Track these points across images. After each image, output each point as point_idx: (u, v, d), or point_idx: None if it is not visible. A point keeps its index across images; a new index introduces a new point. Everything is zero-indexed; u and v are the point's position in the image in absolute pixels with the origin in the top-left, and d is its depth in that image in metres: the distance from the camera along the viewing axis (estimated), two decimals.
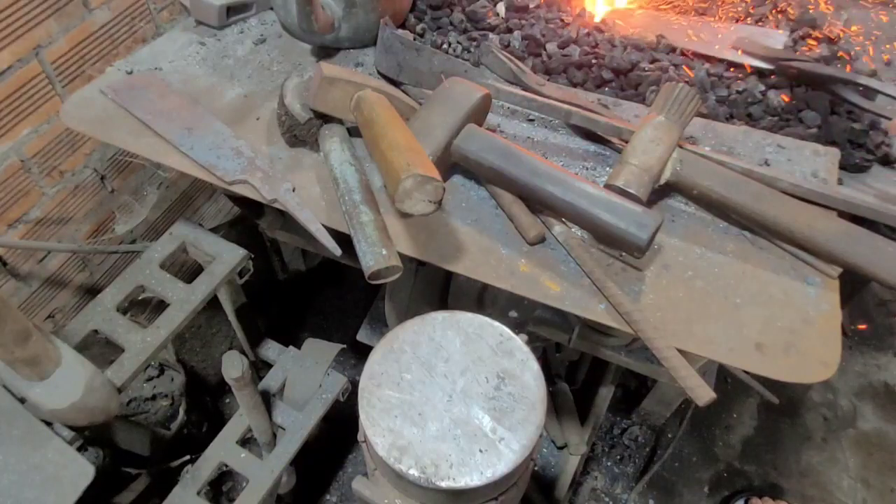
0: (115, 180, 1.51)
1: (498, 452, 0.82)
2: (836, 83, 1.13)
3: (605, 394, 1.65)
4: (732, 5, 1.40)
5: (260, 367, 1.62)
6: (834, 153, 1.07)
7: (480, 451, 0.82)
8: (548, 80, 1.21)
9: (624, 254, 0.94)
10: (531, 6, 1.37)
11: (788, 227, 0.91)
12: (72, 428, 1.02)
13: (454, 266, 0.93)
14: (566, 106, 1.07)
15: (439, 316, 0.95)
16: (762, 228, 0.96)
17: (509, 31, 1.32)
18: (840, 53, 1.24)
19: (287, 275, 2.05)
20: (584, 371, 1.76)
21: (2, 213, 1.27)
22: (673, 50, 1.29)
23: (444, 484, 0.79)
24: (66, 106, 1.16)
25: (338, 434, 1.67)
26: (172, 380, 1.48)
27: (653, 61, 1.25)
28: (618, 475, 1.77)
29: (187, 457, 1.36)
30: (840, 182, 1.05)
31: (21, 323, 0.87)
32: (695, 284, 0.91)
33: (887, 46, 1.33)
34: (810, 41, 1.29)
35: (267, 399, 1.27)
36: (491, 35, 1.31)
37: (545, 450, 1.70)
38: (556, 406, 1.66)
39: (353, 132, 1.08)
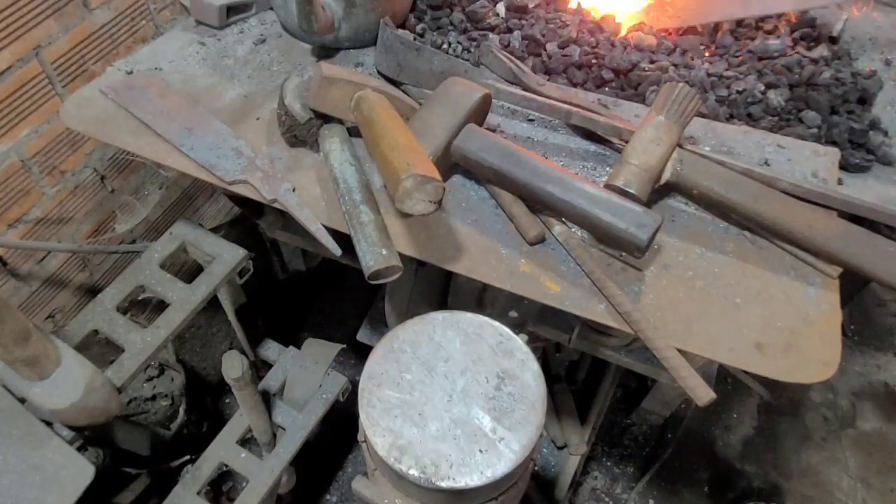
0: (116, 180, 1.51)
1: (498, 452, 0.82)
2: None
3: (605, 394, 1.65)
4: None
5: (260, 367, 1.62)
6: (834, 153, 1.07)
7: (480, 451, 0.82)
8: (548, 80, 1.21)
9: (624, 254, 0.94)
10: (531, 6, 1.37)
11: (788, 227, 0.91)
12: (72, 428, 1.02)
13: (454, 266, 0.93)
14: (566, 106, 1.07)
15: (439, 316, 0.95)
16: (762, 228, 0.96)
17: (509, 31, 1.32)
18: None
19: (287, 275, 2.05)
20: (584, 371, 1.76)
21: (2, 213, 1.27)
22: (673, 50, 1.29)
23: (444, 484, 0.80)
24: (66, 106, 1.16)
25: (338, 434, 1.67)
26: (172, 380, 1.48)
27: (653, 61, 1.25)
28: (618, 475, 1.77)
29: (187, 457, 1.36)
30: (840, 182, 1.05)
31: (21, 323, 0.87)
32: (695, 284, 0.91)
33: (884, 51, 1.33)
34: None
35: (267, 399, 1.27)
36: (491, 35, 1.31)
37: (545, 450, 1.70)
38: (556, 406, 1.66)
39: (353, 132, 1.08)
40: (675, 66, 1.24)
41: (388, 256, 0.86)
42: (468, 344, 0.92)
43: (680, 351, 0.84)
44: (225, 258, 1.28)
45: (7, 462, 0.95)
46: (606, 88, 1.22)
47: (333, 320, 2.06)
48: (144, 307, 1.68)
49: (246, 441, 1.25)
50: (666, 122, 0.96)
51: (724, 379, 1.91)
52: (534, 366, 0.90)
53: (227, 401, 1.84)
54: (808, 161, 1.06)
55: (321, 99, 1.01)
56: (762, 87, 1.18)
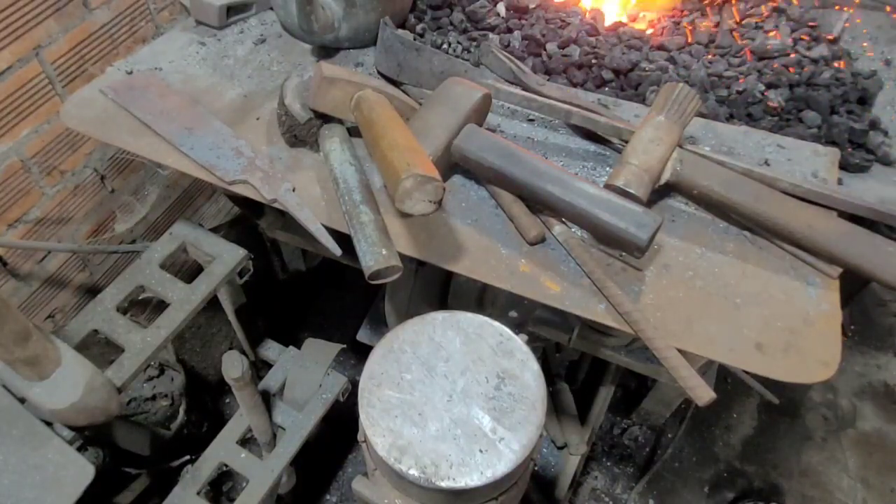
0: (115, 180, 1.51)
1: (498, 452, 0.82)
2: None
3: (605, 394, 1.65)
4: (732, 6, 1.40)
5: (260, 367, 1.62)
6: (834, 153, 1.07)
7: (480, 451, 0.82)
8: (548, 80, 1.21)
9: (624, 254, 0.94)
10: (531, 6, 1.37)
11: (788, 227, 0.91)
12: (72, 428, 1.02)
13: (454, 266, 0.93)
14: (566, 106, 1.07)
15: (439, 316, 0.95)
16: (762, 228, 0.96)
17: (509, 31, 1.33)
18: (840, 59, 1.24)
19: (287, 275, 2.05)
20: (584, 371, 1.76)
21: (2, 213, 1.27)
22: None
23: (444, 484, 0.79)
24: (66, 106, 1.16)
25: (338, 434, 1.67)
26: (172, 380, 1.48)
27: (651, 60, 1.25)
28: (618, 475, 1.77)
29: (187, 457, 1.36)
30: (840, 182, 1.05)
31: (21, 323, 0.87)
32: (695, 284, 0.91)
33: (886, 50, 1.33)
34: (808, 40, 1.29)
35: (267, 399, 1.27)
36: (491, 35, 1.31)
37: (545, 450, 1.70)
38: (556, 406, 1.66)
39: (353, 132, 1.08)
40: (674, 64, 1.25)
41: (388, 256, 0.86)
42: (468, 344, 0.92)
43: (680, 351, 0.84)
44: (225, 258, 1.28)
45: (7, 462, 0.95)
46: (606, 88, 1.22)
47: (333, 320, 2.05)
48: (144, 307, 1.68)
49: (246, 441, 1.25)
50: (666, 122, 0.96)
51: (724, 379, 1.91)
52: (534, 366, 0.90)
53: (227, 401, 1.84)
54: (808, 161, 1.06)
55: (321, 99, 1.01)
56: (762, 87, 1.18)
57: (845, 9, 1.38)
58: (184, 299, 1.21)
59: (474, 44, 1.28)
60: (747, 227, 0.98)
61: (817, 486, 1.74)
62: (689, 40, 1.31)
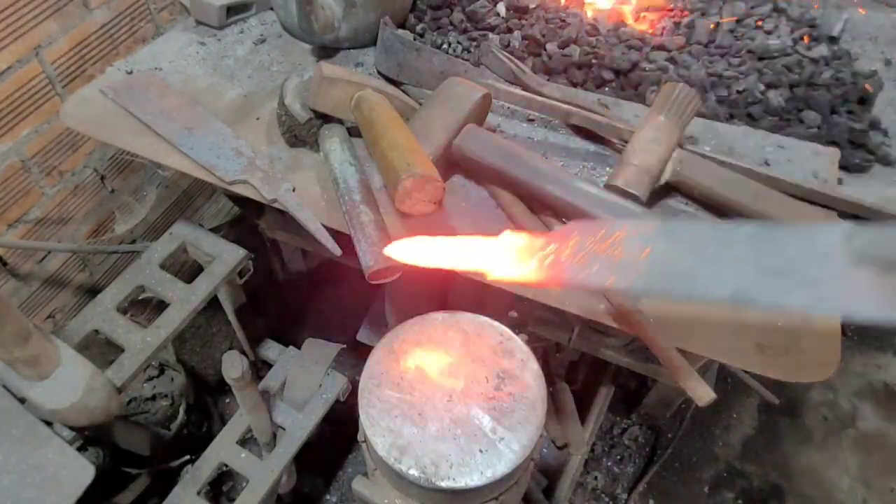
0: (115, 180, 1.51)
1: (498, 452, 0.82)
2: None
3: (605, 394, 1.65)
4: (731, 6, 1.40)
5: (260, 367, 1.62)
6: (834, 153, 1.07)
7: (480, 451, 0.82)
8: (548, 80, 1.21)
9: None
10: (531, 6, 1.37)
11: None
12: (72, 428, 1.02)
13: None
14: (566, 106, 1.07)
15: (439, 316, 0.95)
16: None
17: (509, 31, 1.33)
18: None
19: (287, 275, 2.05)
20: (584, 371, 1.76)
21: (2, 213, 1.27)
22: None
23: (444, 484, 0.80)
24: (66, 106, 1.16)
25: (338, 434, 1.67)
26: (172, 380, 1.48)
27: (652, 61, 1.25)
28: (618, 475, 1.77)
29: (187, 457, 1.36)
30: (840, 182, 1.05)
31: (21, 323, 0.87)
32: None
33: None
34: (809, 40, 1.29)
35: (267, 399, 1.27)
36: (491, 35, 1.31)
37: (545, 450, 1.70)
38: (556, 406, 1.66)
39: (353, 132, 1.08)
40: (674, 64, 1.25)
41: (388, 256, 0.86)
42: (468, 344, 0.92)
43: (680, 351, 0.84)
44: (225, 258, 1.28)
45: (7, 462, 0.95)
46: (606, 88, 1.22)
47: (333, 320, 2.05)
48: (144, 307, 1.68)
49: (246, 441, 1.25)
50: (666, 122, 0.96)
51: (724, 379, 1.91)
52: (534, 366, 0.90)
53: (227, 401, 1.84)
54: (808, 161, 1.06)
55: (321, 99, 1.01)
56: (762, 87, 1.18)
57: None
58: (184, 299, 1.21)
59: (474, 44, 1.28)
60: None
61: (817, 486, 1.74)
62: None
